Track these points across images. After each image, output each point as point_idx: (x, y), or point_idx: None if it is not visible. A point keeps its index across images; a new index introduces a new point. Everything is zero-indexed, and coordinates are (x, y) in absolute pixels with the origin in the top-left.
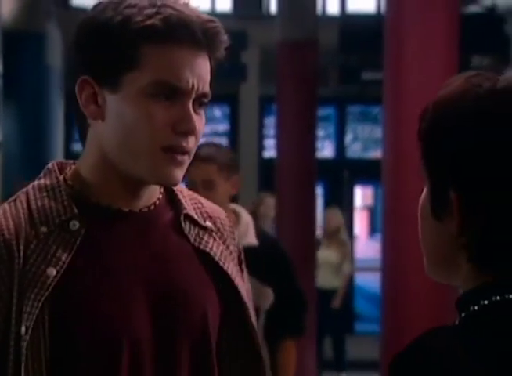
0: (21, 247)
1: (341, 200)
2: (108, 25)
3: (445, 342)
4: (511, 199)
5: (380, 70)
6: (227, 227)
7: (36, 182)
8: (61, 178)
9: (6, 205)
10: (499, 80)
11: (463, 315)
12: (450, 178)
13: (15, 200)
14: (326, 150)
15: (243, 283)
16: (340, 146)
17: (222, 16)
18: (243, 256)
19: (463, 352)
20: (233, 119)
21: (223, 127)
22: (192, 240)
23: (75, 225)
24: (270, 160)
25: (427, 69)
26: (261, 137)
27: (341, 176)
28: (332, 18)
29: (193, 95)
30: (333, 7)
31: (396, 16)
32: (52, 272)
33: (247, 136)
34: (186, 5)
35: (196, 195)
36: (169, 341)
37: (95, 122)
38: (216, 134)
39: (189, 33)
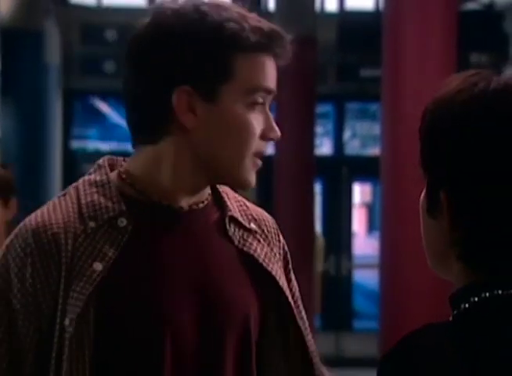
0: (69, 241)
1: (340, 197)
2: (211, 40)
3: (434, 340)
4: (498, 199)
5: (378, 67)
6: (272, 229)
7: (86, 177)
8: (112, 174)
9: (56, 199)
10: (493, 80)
11: (454, 312)
12: (439, 177)
13: (65, 195)
14: (324, 146)
15: (288, 285)
16: (338, 143)
17: None
18: (289, 256)
19: (453, 350)
20: None
21: None
22: (236, 242)
23: (123, 222)
24: (268, 157)
25: (425, 66)
26: None
27: (340, 173)
28: (330, 15)
29: (270, 101)
30: (331, 4)
31: (394, 13)
32: (99, 266)
33: None
34: (255, 15)
35: (240, 197)
36: (213, 340)
37: (181, 130)
38: None
39: (275, 43)
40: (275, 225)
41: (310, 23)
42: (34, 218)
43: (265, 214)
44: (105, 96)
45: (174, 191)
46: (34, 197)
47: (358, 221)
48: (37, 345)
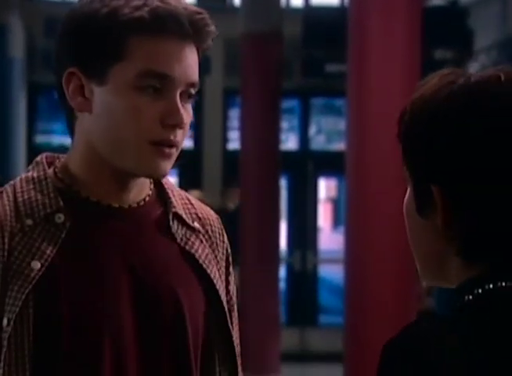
0: (6, 240)
1: (305, 192)
2: (95, 17)
3: (437, 330)
4: (492, 190)
5: (343, 62)
6: (216, 229)
7: (24, 175)
8: (50, 171)
9: None
10: (472, 75)
11: (458, 304)
12: (431, 174)
13: (1, 193)
14: (290, 142)
15: (227, 287)
16: (304, 139)
17: None
18: (231, 259)
19: (456, 341)
20: (198, 111)
21: None
22: (178, 240)
23: (60, 218)
24: (234, 152)
25: (390, 62)
26: (225, 129)
27: (305, 168)
28: (296, 10)
29: (181, 87)
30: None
31: (359, 9)
32: (37, 265)
33: (211, 128)
34: None
35: (186, 194)
36: (151, 340)
37: (82, 115)
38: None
39: (177, 24)
40: (219, 225)
41: (275, 18)
42: None
43: (211, 212)
44: None
45: (95, 185)
46: None
47: (324, 216)
48: None
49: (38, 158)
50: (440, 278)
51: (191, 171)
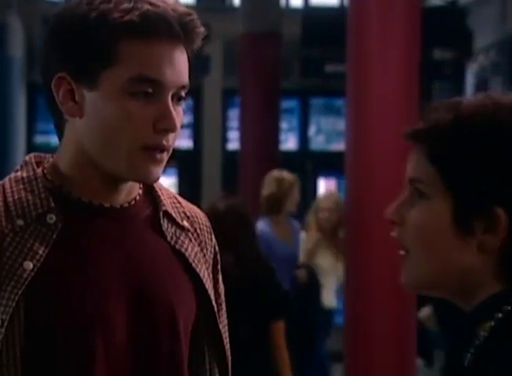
0: None
1: (305, 192)
2: (84, 21)
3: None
4: None
5: (343, 62)
6: (204, 227)
7: (13, 175)
8: (39, 171)
9: None
10: None
11: (492, 323)
12: (495, 196)
13: None
14: (289, 142)
15: (215, 285)
16: (303, 139)
17: None
18: (219, 257)
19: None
20: (197, 111)
21: (187, 119)
22: (168, 238)
23: (52, 218)
24: (234, 152)
25: (389, 62)
26: (224, 129)
27: (305, 168)
28: (295, 10)
29: (172, 90)
30: (296, 0)
31: (358, 9)
32: (29, 265)
33: (211, 128)
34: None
35: (174, 194)
36: (144, 339)
37: (72, 119)
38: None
39: (167, 27)
40: (207, 224)
41: (275, 18)
42: None
43: (198, 211)
44: None
45: (86, 186)
46: None
47: None
48: None
49: (27, 158)
50: (451, 292)
51: (190, 172)
